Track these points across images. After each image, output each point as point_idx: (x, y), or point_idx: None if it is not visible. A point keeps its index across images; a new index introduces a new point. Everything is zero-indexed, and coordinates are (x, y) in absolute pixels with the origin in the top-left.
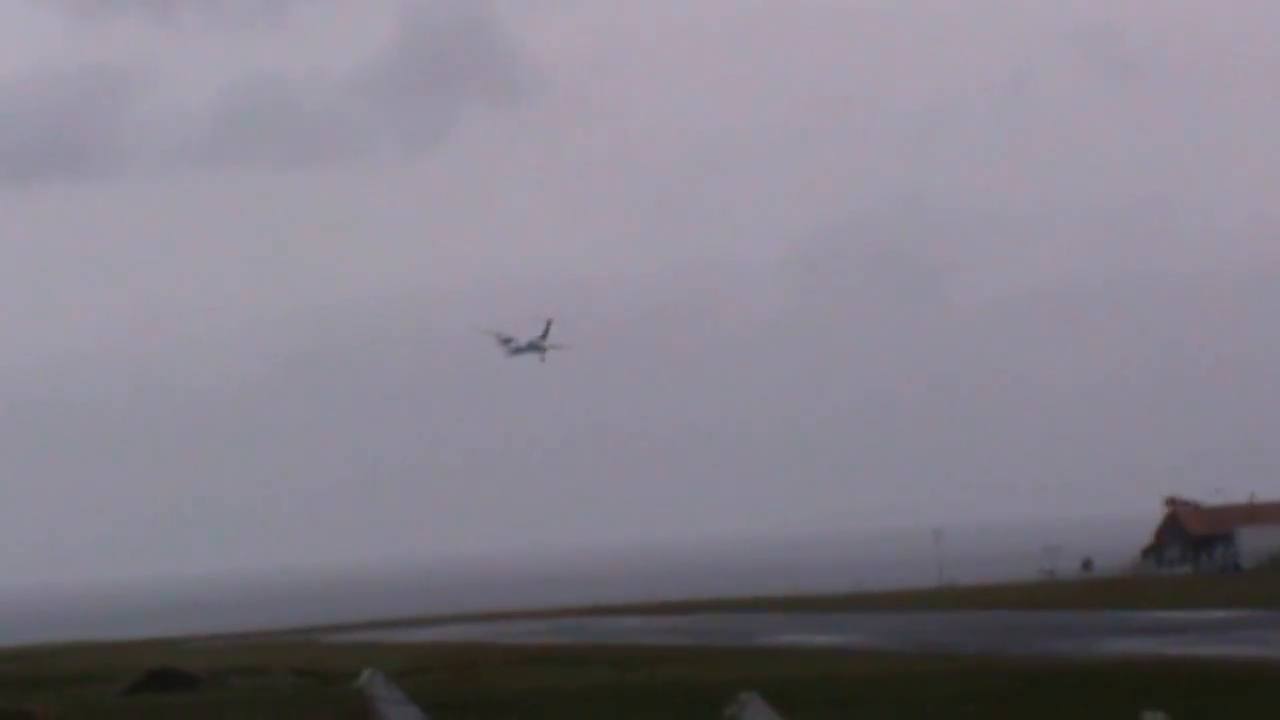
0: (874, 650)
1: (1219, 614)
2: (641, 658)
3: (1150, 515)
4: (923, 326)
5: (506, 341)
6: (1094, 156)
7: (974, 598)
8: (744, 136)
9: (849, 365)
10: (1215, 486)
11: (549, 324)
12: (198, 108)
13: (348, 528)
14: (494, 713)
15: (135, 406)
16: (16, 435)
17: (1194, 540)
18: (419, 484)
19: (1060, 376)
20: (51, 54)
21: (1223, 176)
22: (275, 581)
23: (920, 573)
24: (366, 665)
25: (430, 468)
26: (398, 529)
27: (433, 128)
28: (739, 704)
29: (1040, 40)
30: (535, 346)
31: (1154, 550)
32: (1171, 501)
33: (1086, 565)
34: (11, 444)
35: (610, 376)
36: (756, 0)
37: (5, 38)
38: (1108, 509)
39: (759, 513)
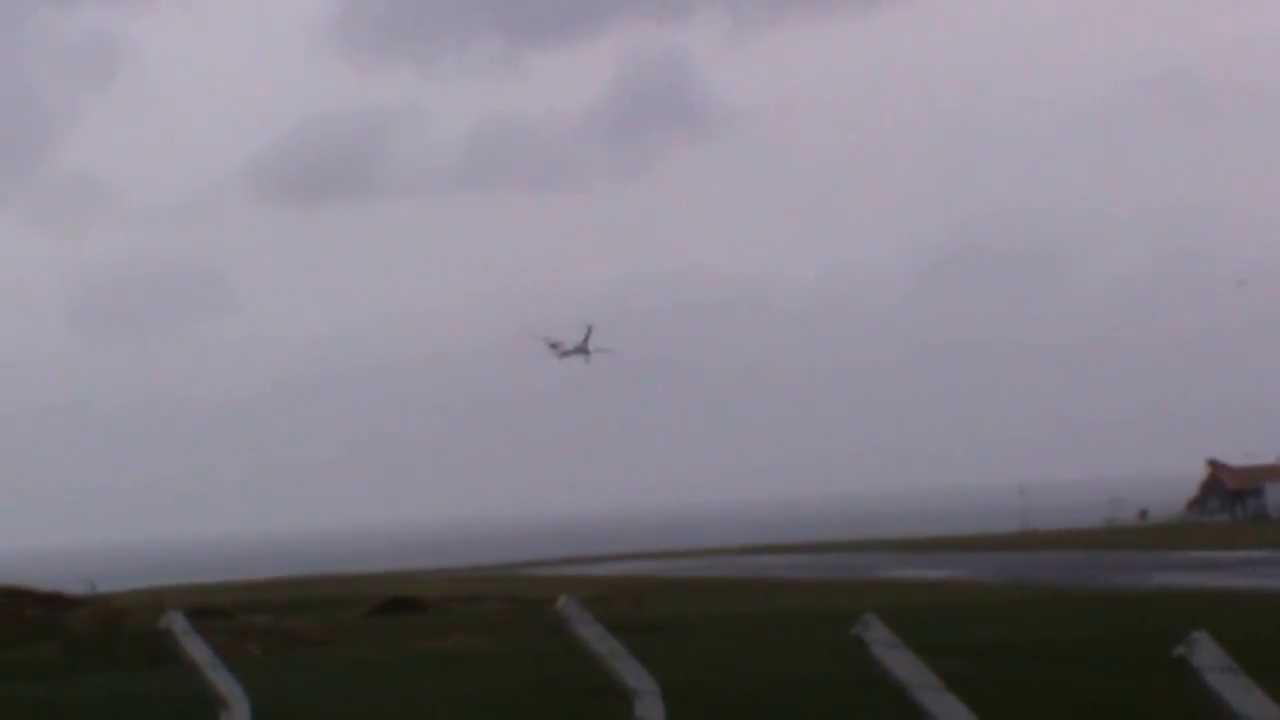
0: (970, 582)
1: (1252, 553)
2: (779, 588)
3: (1194, 473)
4: (1029, 310)
5: (554, 346)
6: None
7: (1051, 541)
8: (884, 157)
9: (961, 340)
10: (1247, 450)
11: (589, 330)
12: (451, 143)
13: (539, 480)
14: (659, 632)
15: (398, 369)
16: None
17: (1230, 494)
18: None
19: (1127, 354)
20: (336, 98)
21: None
22: (484, 525)
23: (1005, 522)
24: (561, 593)
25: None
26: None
27: (641, 159)
28: (862, 623)
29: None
30: (580, 350)
31: (1197, 502)
32: (1212, 462)
33: (1143, 514)
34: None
35: (771, 356)
36: (900, 45)
37: (300, 85)
38: (1159, 467)
39: (873, 469)
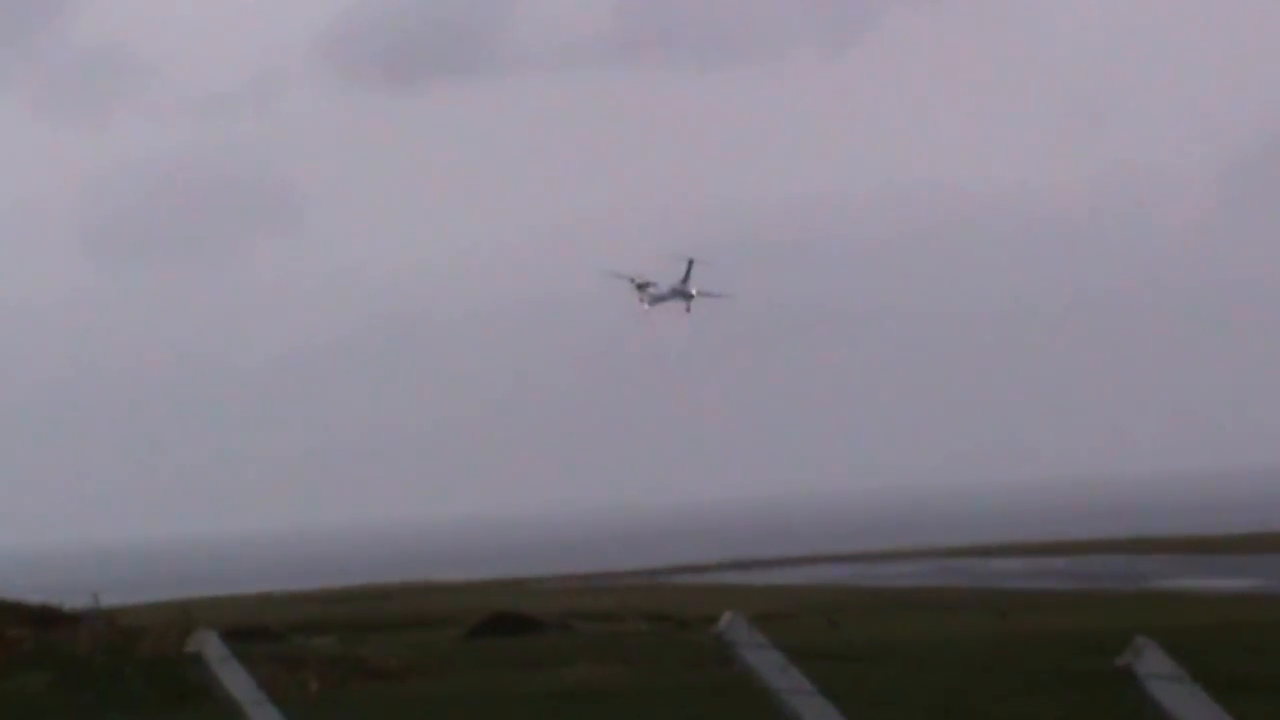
0: (1276, 594)
1: None
2: (1022, 603)
3: None
4: None
5: (643, 287)
6: None
7: None
8: (1164, 33)
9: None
10: None
11: (690, 264)
12: (590, 3)
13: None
14: (863, 661)
15: (508, 317)
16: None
17: None
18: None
19: None
20: None
21: None
22: (617, 520)
23: None
24: (723, 609)
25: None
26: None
27: (854, 25)
28: (1133, 651)
29: None
30: (680, 293)
31: None
32: None
33: None
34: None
35: (992, 298)
36: None
37: None
38: None
39: (1144, 447)
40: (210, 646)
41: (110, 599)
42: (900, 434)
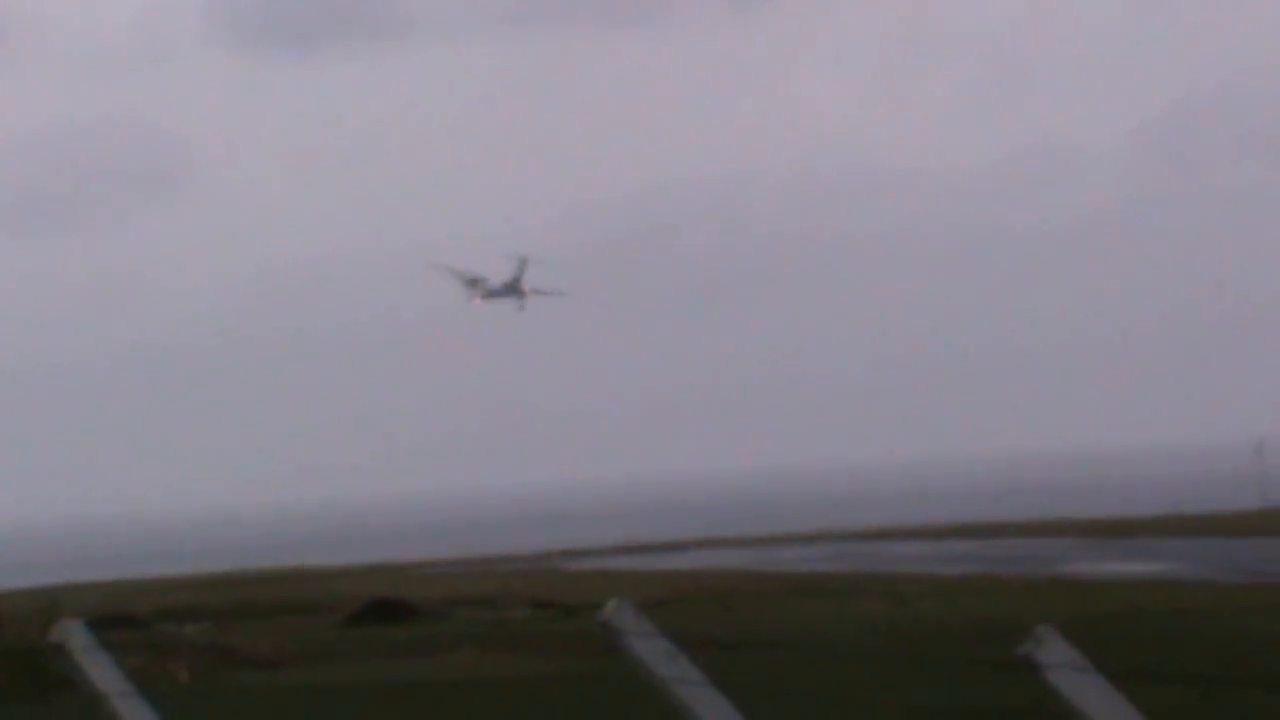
0: (1187, 580)
1: None
2: (922, 588)
3: None
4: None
5: (474, 283)
6: None
7: None
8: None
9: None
10: None
11: (523, 263)
12: None
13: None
14: (755, 650)
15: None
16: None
17: None
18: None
19: None
20: None
21: None
22: (500, 503)
23: (1235, 494)
24: (611, 595)
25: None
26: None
27: None
28: (1035, 640)
29: None
30: (513, 290)
31: None
32: None
33: None
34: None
35: (922, 286)
36: None
37: None
38: None
39: (1067, 425)
40: (74, 636)
41: None
42: (797, 412)
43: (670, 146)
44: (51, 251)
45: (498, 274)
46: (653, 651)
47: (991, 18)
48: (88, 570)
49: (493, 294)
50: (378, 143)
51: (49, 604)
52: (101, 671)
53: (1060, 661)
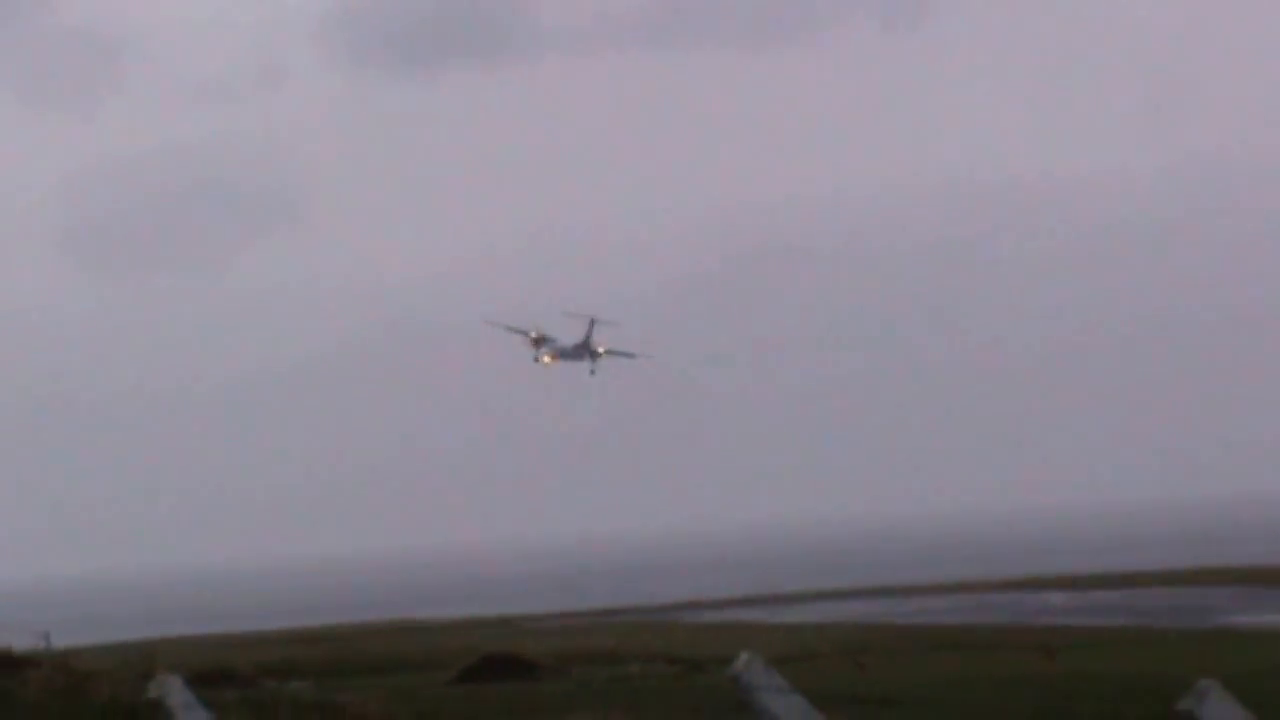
0: None
1: None
2: (1072, 641)
3: None
4: None
5: (539, 341)
6: None
7: None
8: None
9: None
10: None
11: (592, 324)
12: None
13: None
14: (895, 706)
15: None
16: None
17: None
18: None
19: None
20: None
21: None
22: (617, 551)
23: None
24: (739, 649)
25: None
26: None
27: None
28: (1195, 696)
29: None
30: (585, 351)
31: None
32: None
33: None
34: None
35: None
36: None
37: None
38: None
39: (1208, 469)
40: (173, 692)
41: (63, 639)
42: (935, 458)
43: (817, 163)
44: (165, 279)
45: (565, 333)
46: (787, 708)
47: (1141, 29)
48: (183, 624)
49: (564, 355)
50: (500, 164)
51: (145, 659)
52: None
53: (1224, 718)
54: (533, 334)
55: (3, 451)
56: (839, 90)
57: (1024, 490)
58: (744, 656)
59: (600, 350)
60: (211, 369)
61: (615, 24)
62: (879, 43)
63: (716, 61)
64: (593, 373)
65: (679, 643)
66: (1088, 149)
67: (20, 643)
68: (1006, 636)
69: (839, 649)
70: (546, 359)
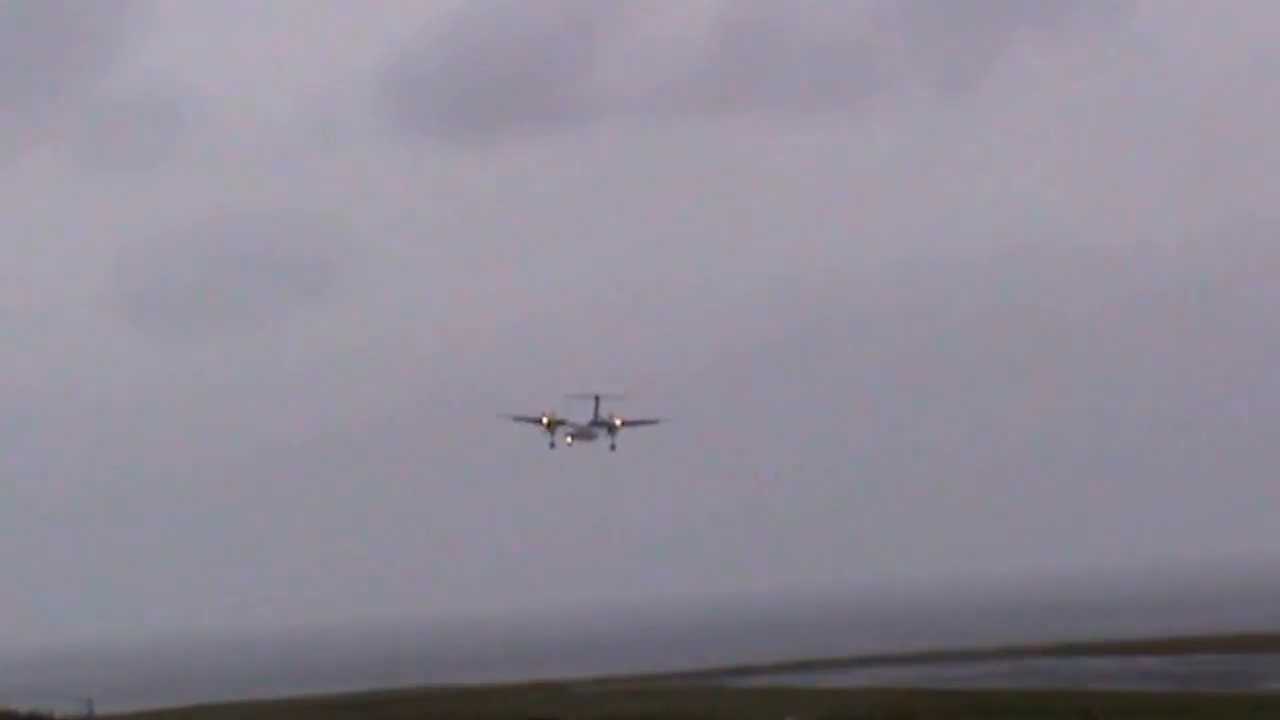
0: None
1: None
2: (1114, 707)
3: None
4: None
5: (550, 427)
6: None
7: None
8: None
9: None
10: None
11: (597, 400)
12: (687, 42)
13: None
14: None
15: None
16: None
17: None
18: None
19: None
20: None
21: None
22: (660, 616)
23: None
24: (784, 715)
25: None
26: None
27: (971, 64)
28: None
29: None
30: (599, 427)
31: None
32: None
33: None
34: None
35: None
36: None
37: None
38: None
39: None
40: None
41: (106, 705)
42: (978, 520)
43: (870, 229)
44: (218, 345)
45: (575, 414)
46: None
47: (1189, 97)
48: (225, 689)
49: (581, 435)
50: (558, 231)
51: None
52: None
53: None
54: (544, 420)
55: (57, 517)
56: (894, 154)
57: (1078, 552)
58: None
59: (618, 423)
60: (259, 435)
61: (669, 90)
62: (934, 106)
63: (772, 126)
64: (613, 448)
65: (724, 708)
66: (1143, 215)
67: (64, 709)
68: (1050, 702)
69: (884, 714)
70: (568, 440)
